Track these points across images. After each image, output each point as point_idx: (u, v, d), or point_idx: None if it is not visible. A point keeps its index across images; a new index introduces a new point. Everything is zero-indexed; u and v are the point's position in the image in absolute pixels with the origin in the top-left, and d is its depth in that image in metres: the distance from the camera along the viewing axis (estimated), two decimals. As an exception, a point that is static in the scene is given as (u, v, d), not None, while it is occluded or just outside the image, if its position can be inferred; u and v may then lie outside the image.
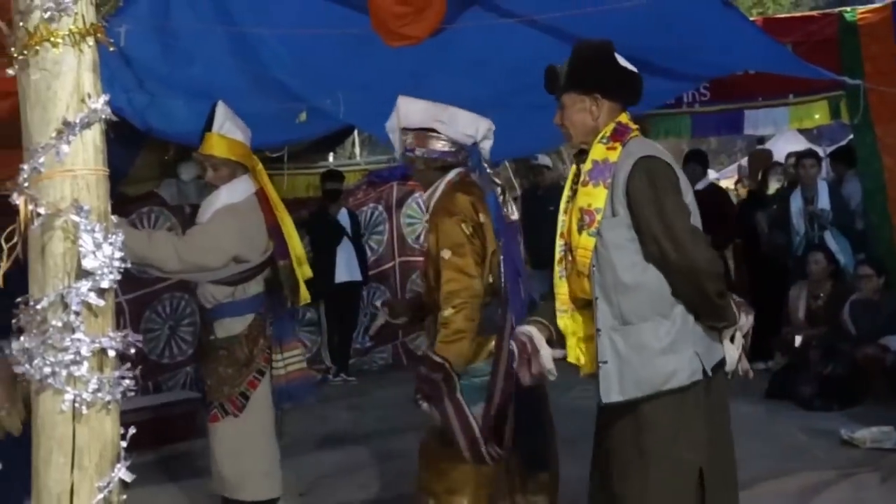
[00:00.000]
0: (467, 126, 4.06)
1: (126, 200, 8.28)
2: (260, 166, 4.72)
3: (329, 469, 6.16)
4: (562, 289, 3.38)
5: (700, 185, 8.96)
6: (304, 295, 4.55)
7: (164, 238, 4.36)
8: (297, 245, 4.61)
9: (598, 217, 3.19)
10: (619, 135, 3.28)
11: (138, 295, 8.52)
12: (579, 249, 3.24)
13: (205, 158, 4.55)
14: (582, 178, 3.30)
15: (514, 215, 4.22)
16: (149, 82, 5.92)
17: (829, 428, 6.58)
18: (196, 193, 9.12)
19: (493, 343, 3.91)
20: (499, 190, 4.10)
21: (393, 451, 6.62)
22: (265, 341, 4.44)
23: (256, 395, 4.38)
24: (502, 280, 3.94)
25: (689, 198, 3.26)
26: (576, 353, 3.36)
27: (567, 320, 3.37)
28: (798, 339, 7.86)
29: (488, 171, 4.11)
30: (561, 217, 3.40)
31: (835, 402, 7.24)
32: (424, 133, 4.05)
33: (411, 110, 4.09)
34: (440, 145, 4.04)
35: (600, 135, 3.30)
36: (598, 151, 3.28)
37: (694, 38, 6.06)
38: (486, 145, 4.15)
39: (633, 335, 3.17)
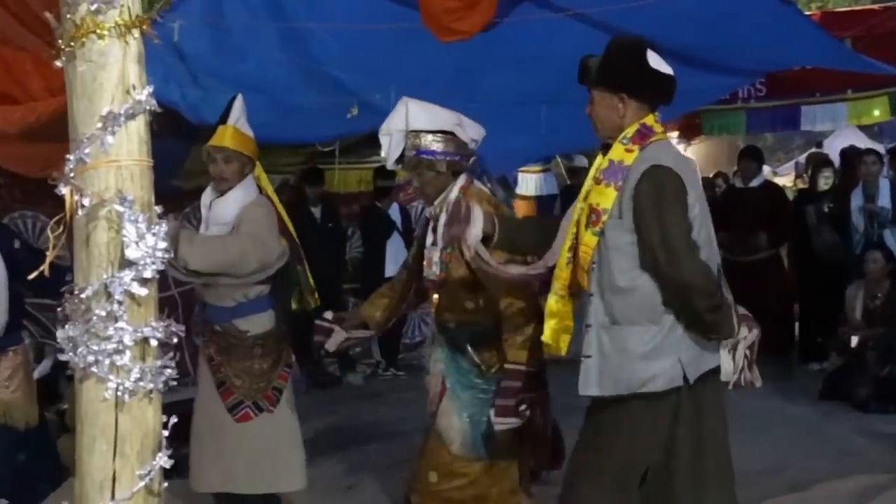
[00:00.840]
0: (474, 131, 4.06)
1: (180, 194, 8.36)
2: (260, 168, 4.66)
3: (377, 462, 6.17)
4: (564, 273, 3.40)
5: (755, 182, 8.86)
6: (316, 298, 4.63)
7: (234, 240, 4.22)
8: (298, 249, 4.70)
9: (604, 217, 3.23)
10: (640, 137, 3.29)
11: (190, 288, 8.59)
12: (583, 245, 3.30)
13: (217, 151, 4.38)
14: (596, 176, 3.33)
15: None
16: (202, 77, 5.99)
17: (885, 430, 6.48)
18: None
19: None
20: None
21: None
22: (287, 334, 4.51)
23: (287, 388, 4.42)
24: None
25: (696, 210, 3.24)
26: (554, 334, 3.41)
27: (558, 303, 3.41)
28: (855, 340, 7.70)
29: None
30: (578, 205, 3.40)
31: (891, 404, 7.10)
32: (444, 135, 3.96)
33: (424, 112, 4.00)
34: (458, 148, 3.98)
35: (622, 134, 3.31)
36: (616, 152, 3.30)
37: (749, 34, 6.01)
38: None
39: (619, 336, 3.22)
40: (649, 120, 3.32)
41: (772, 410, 7.34)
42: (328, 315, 4.43)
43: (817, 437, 6.51)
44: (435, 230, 4.05)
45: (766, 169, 11.81)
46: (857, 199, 8.33)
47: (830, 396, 7.56)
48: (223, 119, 4.45)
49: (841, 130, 12.50)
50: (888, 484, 5.21)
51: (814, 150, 12.65)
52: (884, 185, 8.29)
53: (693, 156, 13.74)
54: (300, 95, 6.34)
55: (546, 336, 3.42)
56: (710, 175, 10.93)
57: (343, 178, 9.72)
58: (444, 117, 3.99)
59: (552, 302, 3.41)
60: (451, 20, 5.06)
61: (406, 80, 6.05)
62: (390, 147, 4.10)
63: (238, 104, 4.45)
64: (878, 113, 8.72)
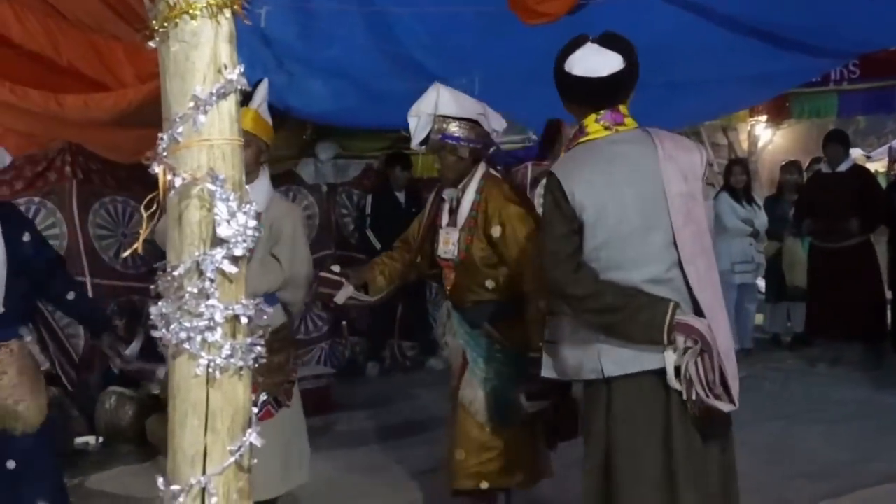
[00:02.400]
0: (497, 122, 4.25)
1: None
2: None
3: (433, 449, 6.17)
4: None
5: (843, 167, 8.65)
6: None
7: (282, 266, 4.30)
8: None
9: None
10: (572, 139, 3.39)
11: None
12: None
13: None
14: None
15: None
16: (288, 62, 6.04)
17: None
18: (334, 173, 9.28)
19: None
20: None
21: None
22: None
23: (297, 383, 4.48)
24: None
25: (589, 214, 3.15)
26: None
27: None
28: (948, 329, 7.51)
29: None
30: None
31: None
32: (469, 123, 4.18)
33: (454, 99, 4.22)
34: (481, 136, 4.22)
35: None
36: None
37: (844, 13, 5.85)
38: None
39: (553, 325, 3.38)
40: (587, 121, 3.28)
41: (861, 400, 7.22)
42: (335, 268, 4.58)
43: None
44: (452, 212, 4.27)
45: (857, 152, 11.53)
46: None
47: (923, 386, 7.40)
48: (245, 101, 4.32)
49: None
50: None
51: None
52: None
53: (781, 140, 13.49)
54: (385, 81, 6.36)
55: None
56: (806, 162, 10.69)
57: (426, 163, 9.73)
58: (470, 106, 4.21)
59: None
60: (537, 2, 5.02)
61: (490, 65, 6.03)
62: (417, 128, 4.29)
63: (262, 88, 4.34)
64: (978, 95, 8.46)
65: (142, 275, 7.43)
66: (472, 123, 4.19)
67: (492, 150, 4.26)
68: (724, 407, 3.09)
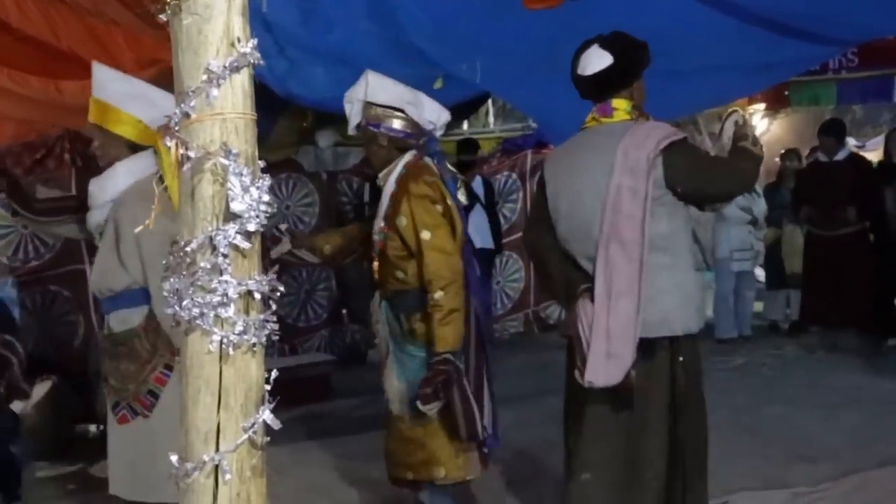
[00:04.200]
0: (431, 113, 4.25)
1: (265, 166, 8.46)
2: None
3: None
4: None
5: (840, 156, 8.68)
6: None
7: None
8: None
9: None
10: None
11: (273, 260, 8.70)
12: None
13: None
14: None
15: (465, 201, 4.47)
16: (289, 49, 6.01)
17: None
18: (333, 160, 9.28)
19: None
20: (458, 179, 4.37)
21: (524, 418, 6.63)
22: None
23: (167, 391, 3.90)
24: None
25: (555, 199, 3.78)
26: None
27: None
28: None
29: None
30: None
31: None
32: (393, 111, 4.20)
33: (381, 87, 4.23)
34: (405, 126, 4.21)
35: None
36: None
37: (842, 1, 5.84)
38: (439, 134, 4.37)
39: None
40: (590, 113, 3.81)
41: (859, 385, 7.27)
42: (283, 226, 4.68)
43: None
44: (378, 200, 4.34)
45: (851, 142, 11.54)
46: None
47: (922, 371, 7.44)
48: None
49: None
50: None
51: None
52: None
53: (779, 129, 13.50)
54: (385, 67, 6.29)
55: None
56: (805, 150, 10.70)
57: (426, 150, 9.75)
58: (398, 94, 4.22)
59: None
60: (539, -13, 5.01)
61: (491, 51, 6.01)
62: (351, 114, 4.30)
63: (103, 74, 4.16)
64: (976, 84, 8.46)
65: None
66: (397, 111, 4.20)
67: (421, 140, 4.25)
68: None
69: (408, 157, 4.22)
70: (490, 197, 9.68)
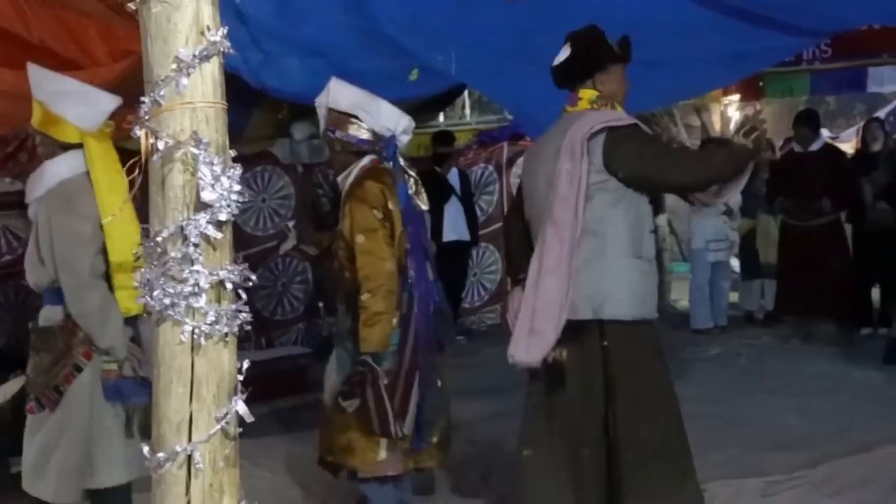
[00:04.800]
0: (388, 120, 4.33)
1: (240, 159, 8.38)
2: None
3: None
4: None
5: (815, 146, 8.73)
6: (128, 304, 3.97)
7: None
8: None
9: None
10: None
11: (251, 252, 8.69)
12: None
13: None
14: None
15: (424, 206, 4.48)
16: (264, 41, 5.97)
17: (949, 393, 6.41)
18: (309, 153, 9.25)
19: (397, 317, 4.20)
20: (411, 181, 4.38)
21: (500, 409, 6.63)
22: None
23: (72, 391, 3.94)
24: (408, 262, 4.25)
25: (524, 185, 4.11)
26: None
27: None
28: (920, 303, 7.63)
29: (402, 163, 4.38)
30: None
31: (957, 368, 7.03)
32: (348, 118, 4.32)
33: (341, 94, 4.35)
34: (360, 133, 4.32)
35: None
36: None
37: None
38: (404, 139, 4.45)
39: None
40: None
41: (834, 374, 7.33)
42: (290, 223, 4.97)
43: (881, 400, 6.49)
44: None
45: (825, 134, 11.63)
46: None
47: (894, 360, 7.51)
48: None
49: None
50: (953, 446, 5.18)
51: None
52: None
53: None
54: (361, 59, 6.31)
55: None
56: (780, 141, 10.76)
57: (403, 143, 9.73)
58: (355, 101, 4.33)
59: None
60: (515, -21, 5.01)
61: (467, 43, 6.00)
62: (320, 119, 4.48)
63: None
64: (949, 73, 8.52)
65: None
66: (352, 118, 4.32)
67: (378, 146, 4.34)
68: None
69: (364, 161, 4.34)
70: (466, 189, 9.69)
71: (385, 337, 4.13)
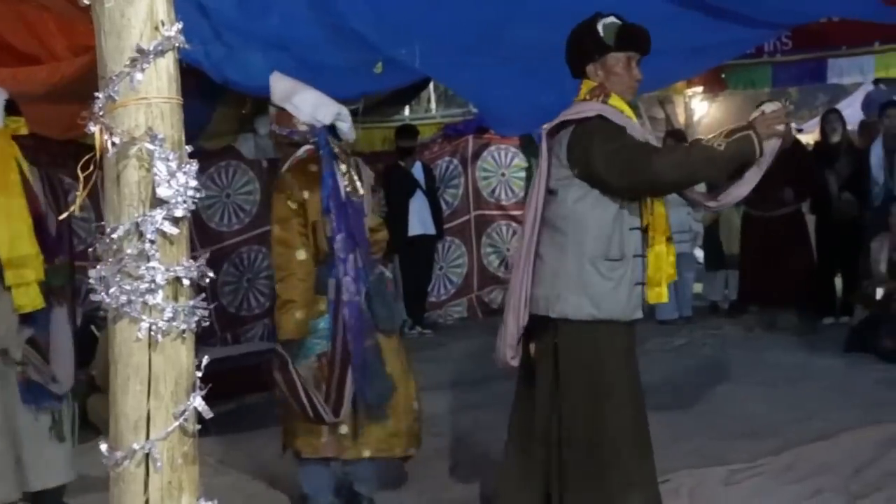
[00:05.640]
0: (315, 110, 4.41)
1: (203, 155, 8.37)
2: None
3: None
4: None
5: (775, 138, 8.79)
6: (20, 301, 4.00)
7: None
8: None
9: None
10: None
11: (216, 248, 8.64)
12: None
13: None
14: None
15: (361, 192, 4.49)
16: (226, 34, 5.93)
17: (910, 381, 6.50)
18: (273, 148, 9.20)
19: (324, 303, 4.30)
20: (343, 168, 4.41)
21: (468, 402, 6.66)
22: None
23: None
24: (333, 249, 4.29)
25: None
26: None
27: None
28: (879, 292, 7.74)
29: (335, 150, 4.42)
30: None
31: (917, 355, 7.12)
32: (280, 110, 4.47)
33: (277, 88, 4.52)
34: (293, 124, 4.43)
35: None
36: None
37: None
38: (343, 126, 4.49)
39: None
40: None
41: (797, 363, 7.41)
42: None
43: (843, 387, 6.57)
44: None
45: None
46: (877, 152, 8.30)
47: (855, 349, 7.64)
48: None
49: (861, 90, 12.45)
50: (913, 431, 5.25)
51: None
52: None
53: (717, 111, 13.64)
54: (324, 52, 6.29)
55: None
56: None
57: (367, 136, 9.71)
58: (284, 94, 4.49)
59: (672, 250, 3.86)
60: (477, -28, 5.01)
61: (431, 37, 5.98)
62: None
63: None
64: (906, 65, 8.61)
65: (79, 253, 7.31)
66: (282, 111, 4.45)
67: (309, 136, 4.42)
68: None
69: (299, 152, 4.42)
70: (431, 183, 9.69)
71: (297, 324, 4.22)
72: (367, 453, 4.41)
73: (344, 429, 4.35)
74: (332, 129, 4.45)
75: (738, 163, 3.51)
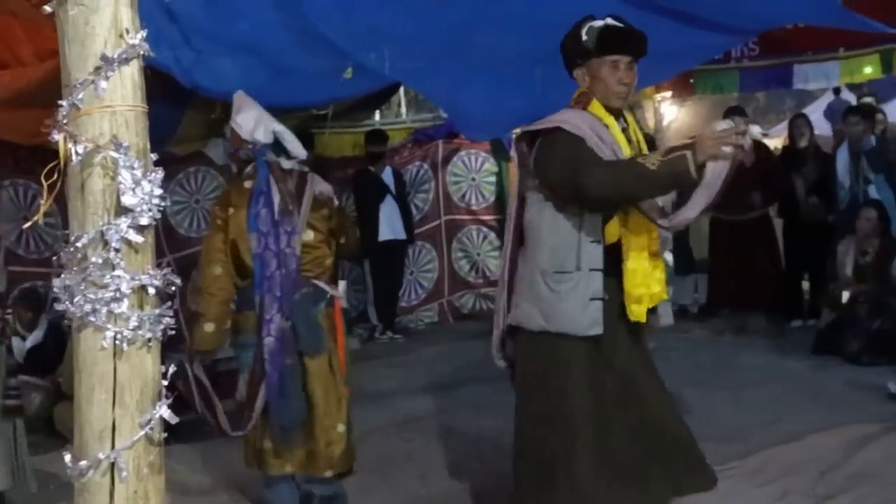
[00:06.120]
0: (254, 129, 4.48)
1: (173, 160, 8.33)
2: None
3: (377, 424, 6.20)
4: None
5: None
6: None
7: None
8: None
9: None
10: None
11: (185, 254, 8.60)
12: None
13: None
14: (643, 141, 3.77)
15: (292, 209, 4.48)
16: (195, 39, 5.90)
17: (876, 383, 6.53)
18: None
19: (253, 319, 4.36)
20: (274, 189, 4.40)
21: (439, 407, 6.66)
22: None
23: None
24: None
25: None
26: (664, 292, 3.79)
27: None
28: (846, 295, 7.80)
29: (276, 168, 4.46)
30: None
31: (883, 357, 7.18)
32: (233, 129, 4.57)
33: (233, 106, 4.63)
34: (239, 141, 4.54)
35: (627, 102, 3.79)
36: (631, 117, 3.76)
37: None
38: (288, 144, 4.54)
39: None
40: None
41: (765, 366, 7.44)
42: None
43: (810, 390, 6.60)
44: None
45: (756, 130, 11.81)
46: (842, 157, 8.39)
47: (823, 351, 7.69)
48: None
49: (828, 95, 12.56)
50: (879, 433, 5.30)
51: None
52: (867, 143, 8.34)
53: (686, 116, 13.74)
54: (294, 57, 6.27)
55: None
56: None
57: (337, 141, 9.69)
58: (234, 112, 4.58)
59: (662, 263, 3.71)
60: (446, -23, 5.02)
61: (401, 41, 5.99)
62: None
63: None
64: (869, 70, 8.68)
65: (45, 260, 7.27)
66: (233, 130, 4.57)
67: (250, 154, 4.52)
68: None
69: (248, 168, 4.52)
70: (401, 188, 9.69)
71: (205, 336, 4.34)
72: (289, 468, 4.46)
73: (267, 444, 4.41)
74: (280, 146, 4.50)
75: (670, 182, 3.34)
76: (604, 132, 3.56)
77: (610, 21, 3.65)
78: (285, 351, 4.30)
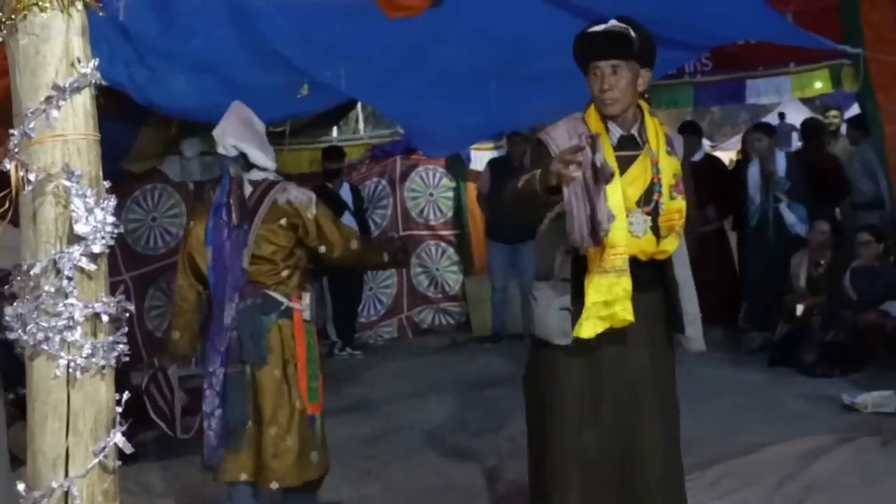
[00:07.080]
0: (220, 141, 4.52)
1: (129, 178, 8.28)
2: None
3: (338, 441, 6.15)
4: (640, 244, 3.52)
5: (697, 157, 8.97)
6: None
7: None
8: None
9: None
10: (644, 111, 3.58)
11: (142, 272, 8.54)
12: (674, 213, 3.54)
13: None
14: (664, 147, 3.55)
15: (241, 222, 4.47)
16: (149, 57, 5.88)
17: (830, 394, 6.63)
18: (200, 170, 9.11)
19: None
20: (232, 200, 4.42)
21: (400, 423, 6.66)
22: None
23: None
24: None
25: None
26: (626, 312, 3.44)
27: (627, 280, 3.41)
28: (800, 308, 7.88)
29: (252, 178, 4.51)
30: (645, 176, 3.52)
31: (836, 369, 7.27)
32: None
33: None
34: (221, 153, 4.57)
35: (646, 107, 3.58)
36: (654, 123, 3.56)
37: (694, 8, 6.03)
38: (252, 156, 4.52)
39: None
40: None
41: (723, 378, 7.51)
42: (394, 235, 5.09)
43: (767, 402, 6.66)
44: None
45: (705, 143, 11.97)
46: (753, 173, 8.53)
47: (779, 363, 7.75)
48: None
49: (784, 105, 12.70)
50: (834, 444, 5.36)
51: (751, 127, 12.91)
52: (780, 158, 8.50)
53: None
54: (250, 75, 6.27)
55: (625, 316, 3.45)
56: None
57: (295, 158, 9.67)
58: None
59: (623, 282, 3.39)
60: (400, -4, 5.05)
61: (357, 58, 6.01)
62: None
63: None
64: (819, 85, 8.78)
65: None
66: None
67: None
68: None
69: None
70: (358, 204, 9.68)
71: (172, 343, 4.62)
72: (243, 476, 4.43)
73: (220, 451, 4.44)
74: (246, 159, 4.52)
75: (529, 200, 3.23)
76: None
77: (593, 27, 3.51)
78: (231, 360, 4.37)
